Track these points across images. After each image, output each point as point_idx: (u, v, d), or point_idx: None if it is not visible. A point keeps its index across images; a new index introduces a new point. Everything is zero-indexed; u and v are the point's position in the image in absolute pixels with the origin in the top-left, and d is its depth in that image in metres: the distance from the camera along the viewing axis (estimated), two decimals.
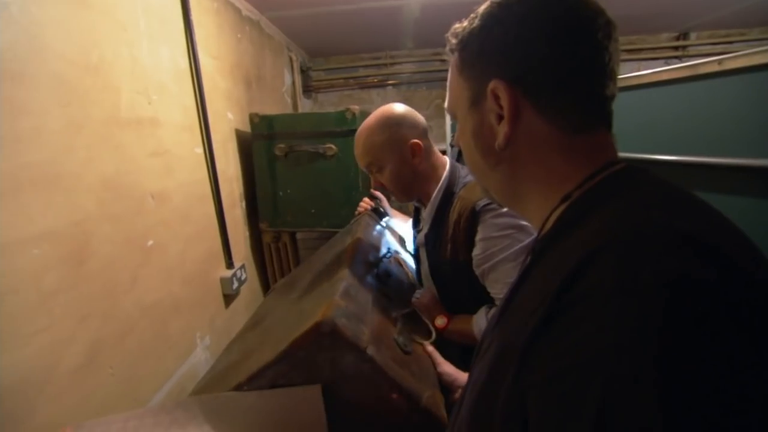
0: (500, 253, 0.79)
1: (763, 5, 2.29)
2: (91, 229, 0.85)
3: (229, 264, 1.45)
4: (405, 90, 3.16)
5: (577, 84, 0.37)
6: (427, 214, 0.96)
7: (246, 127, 1.67)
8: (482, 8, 0.41)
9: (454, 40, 0.43)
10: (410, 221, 1.17)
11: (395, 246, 1.18)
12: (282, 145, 1.62)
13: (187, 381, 1.14)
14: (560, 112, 0.37)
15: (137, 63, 1.02)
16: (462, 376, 0.76)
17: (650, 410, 0.21)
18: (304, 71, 2.94)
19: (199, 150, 1.31)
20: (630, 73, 1.15)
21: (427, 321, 0.90)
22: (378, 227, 1.26)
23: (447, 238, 0.88)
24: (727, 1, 2.26)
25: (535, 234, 0.73)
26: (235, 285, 1.44)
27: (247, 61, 1.79)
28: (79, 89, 0.83)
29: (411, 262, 1.15)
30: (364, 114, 1.68)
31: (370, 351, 0.61)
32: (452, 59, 0.44)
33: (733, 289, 0.24)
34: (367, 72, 3.11)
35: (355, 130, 1.54)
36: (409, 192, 0.96)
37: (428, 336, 0.86)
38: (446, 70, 0.47)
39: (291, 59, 2.56)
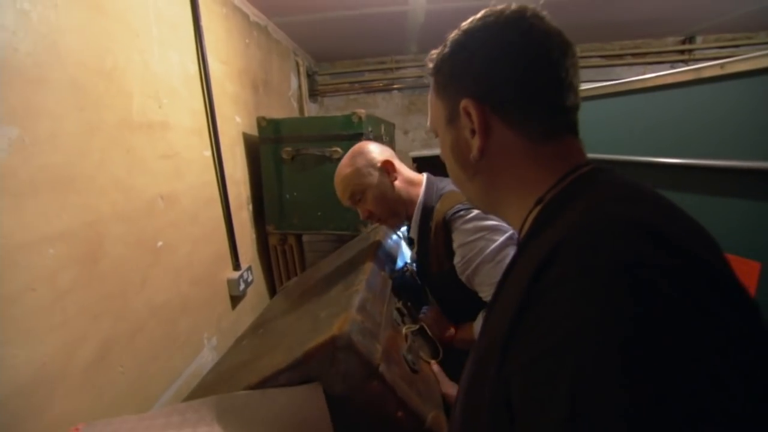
0: (477, 256, 0.81)
1: None
2: (104, 230, 0.87)
3: (236, 266, 1.46)
4: (410, 94, 3.18)
5: (538, 98, 0.40)
6: (413, 232, 0.98)
7: (253, 131, 1.69)
8: (451, 36, 0.44)
9: (430, 65, 0.47)
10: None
11: (410, 258, 1.17)
12: (289, 149, 1.63)
13: (195, 381, 1.14)
14: (525, 124, 0.40)
15: (149, 68, 1.04)
16: None
17: (617, 389, 0.22)
18: (310, 75, 2.97)
19: (208, 153, 1.33)
20: (636, 76, 1.16)
21: (435, 339, 0.91)
22: (395, 237, 1.26)
23: (432, 252, 0.90)
24: (733, 5, 2.26)
25: (509, 230, 0.79)
26: (242, 286, 1.45)
27: (254, 65, 1.82)
28: (94, 94, 0.86)
29: None
30: (370, 118, 1.71)
31: (382, 369, 0.62)
32: (431, 82, 0.48)
33: (683, 272, 0.25)
34: (372, 76, 3.13)
35: (361, 134, 1.60)
36: (396, 212, 0.98)
37: (435, 355, 0.86)
38: None
39: (297, 63, 2.59)
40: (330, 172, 1.60)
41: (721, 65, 0.82)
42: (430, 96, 0.49)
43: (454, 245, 0.85)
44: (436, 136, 0.50)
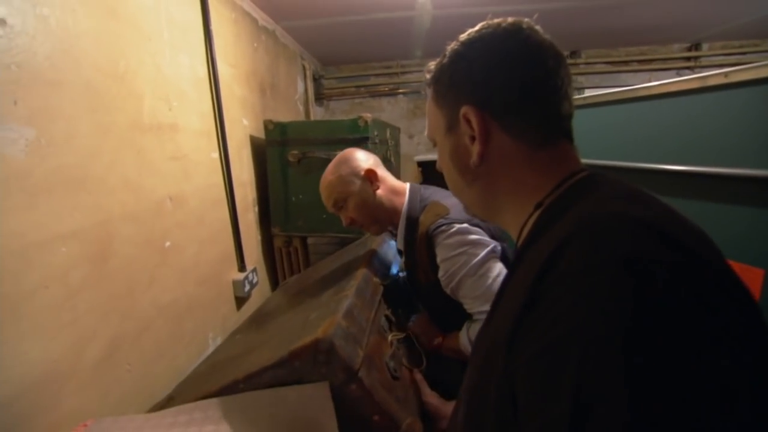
0: (460, 270, 0.81)
1: None
2: (114, 230, 0.88)
3: (242, 267, 1.47)
4: (415, 98, 3.19)
5: (536, 105, 0.41)
6: (399, 242, 0.99)
7: (260, 134, 1.70)
8: (450, 47, 0.46)
9: (428, 76, 0.48)
10: None
11: (399, 267, 1.20)
12: (295, 152, 1.64)
13: None
14: (523, 130, 0.41)
15: (160, 71, 1.06)
16: (446, 407, 0.78)
17: (621, 381, 0.23)
18: (316, 79, 2.99)
19: (215, 155, 1.34)
20: (642, 83, 1.17)
21: (420, 348, 0.92)
22: (392, 243, 1.27)
23: (418, 263, 0.91)
24: (740, 12, 2.26)
25: (491, 243, 0.81)
26: (247, 288, 1.46)
27: (262, 69, 1.84)
28: (107, 96, 0.87)
29: None
30: (376, 122, 1.72)
31: (361, 373, 0.63)
32: (429, 92, 0.49)
33: (685, 267, 0.26)
34: (377, 81, 3.15)
35: (367, 138, 1.61)
36: (377, 220, 1.00)
37: (419, 363, 0.88)
38: None
39: (304, 67, 2.61)
40: None
41: (725, 74, 0.83)
42: (428, 106, 0.50)
43: (438, 260, 0.86)
44: (435, 145, 0.51)
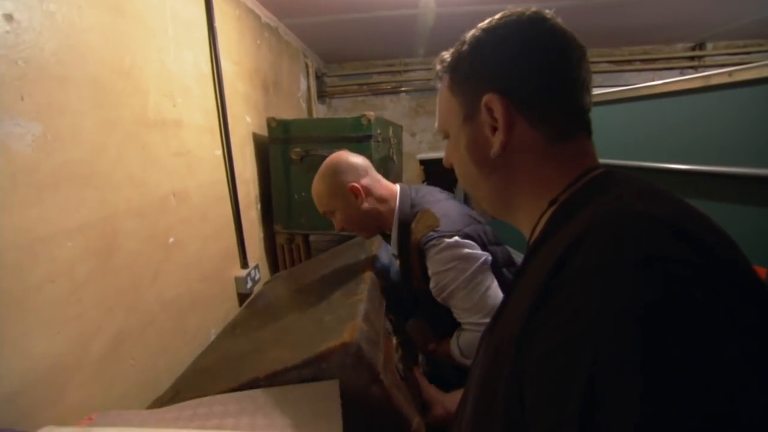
0: (452, 283, 0.83)
1: None
2: (119, 225, 0.88)
3: (244, 264, 1.47)
4: (417, 97, 3.18)
5: (558, 95, 0.40)
6: (393, 248, 1.00)
7: (263, 131, 1.70)
8: (468, 34, 0.44)
9: (440, 66, 0.47)
10: None
11: (395, 272, 1.22)
12: (298, 149, 1.63)
13: None
14: (546, 122, 0.40)
15: (164, 67, 1.06)
16: (443, 396, 0.81)
17: (636, 378, 0.22)
18: (319, 77, 2.98)
19: (219, 152, 1.33)
20: (645, 82, 1.17)
21: (418, 348, 0.97)
22: (389, 247, 1.30)
23: (412, 270, 0.92)
24: (744, 11, 2.25)
25: (482, 256, 0.81)
26: (249, 284, 1.46)
27: (265, 66, 1.84)
28: (113, 92, 0.88)
29: None
30: (379, 120, 1.71)
31: (382, 376, 0.67)
32: (442, 82, 0.48)
33: (706, 267, 0.25)
34: (380, 78, 3.15)
35: (370, 136, 1.61)
36: (366, 229, 1.03)
37: (416, 361, 0.94)
38: None
39: (307, 65, 2.60)
40: None
41: (729, 73, 0.83)
42: (441, 95, 0.48)
43: (429, 272, 0.86)
44: (445, 137, 0.49)
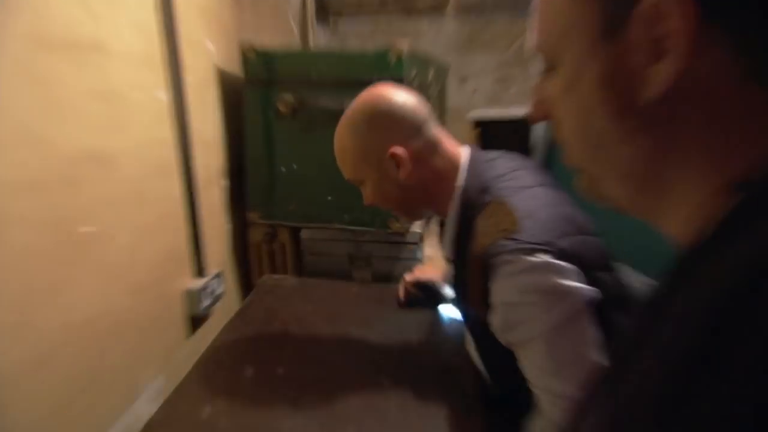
0: (527, 329, 0.83)
1: None
2: (1, 205, 0.85)
3: (199, 271, 1.46)
4: (472, 20, 3.08)
5: None
6: (446, 246, 1.04)
7: (234, 67, 1.69)
8: None
9: None
10: None
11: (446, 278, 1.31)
12: (288, 97, 1.62)
13: None
14: (752, 45, 0.36)
15: None
16: None
17: None
18: None
19: (163, 96, 1.31)
20: None
21: None
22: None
23: (469, 285, 0.94)
24: None
25: (583, 291, 0.81)
26: (206, 302, 1.45)
27: None
28: None
29: None
30: (416, 56, 1.71)
31: None
32: None
33: None
34: None
35: (401, 80, 1.57)
36: (407, 212, 1.10)
37: None
38: None
39: None
40: None
41: None
42: None
43: (493, 298, 0.87)
44: (549, 67, 0.48)
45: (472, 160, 1.01)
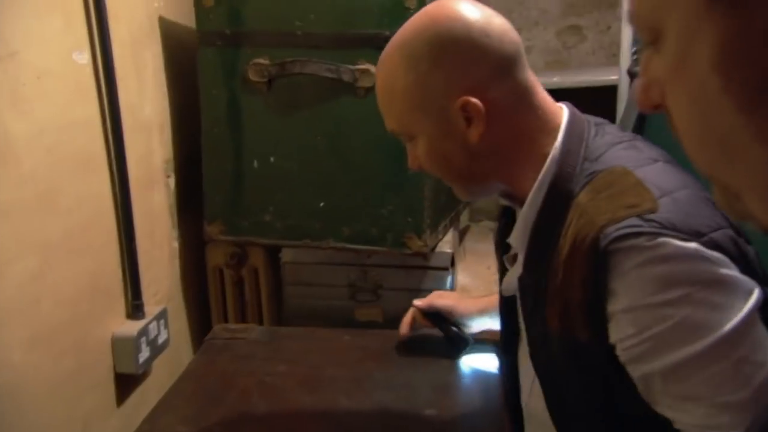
0: (678, 340, 0.82)
1: None
2: None
3: (135, 309, 1.45)
4: None
5: None
6: (518, 234, 1.04)
7: (185, 17, 1.71)
8: None
9: None
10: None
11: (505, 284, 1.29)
12: (263, 61, 1.62)
13: None
14: None
15: None
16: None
17: None
18: None
19: (83, 58, 1.31)
20: None
21: None
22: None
23: (554, 293, 0.95)
24: None
25: (753, 288, 0.84)
26: (145, 354, 1.44)
27: None
28: None
29: None
30: None
31: None
32: None
33: None
34: None
35: None
36: (469, 186, 1.09)
37: None
38: None
39: None
40: (349, 117, 1.67)
41: None
42: None
43: (616, 300, 0.87)
44: (652, 40, 0.48)
45: (574, 120, 1.01)
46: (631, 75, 1.96)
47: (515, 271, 1.07)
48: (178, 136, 1.69)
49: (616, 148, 0.97)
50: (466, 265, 2.21)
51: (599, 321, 0.88)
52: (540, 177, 0.97)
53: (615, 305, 0.86)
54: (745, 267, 0.87)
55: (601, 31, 2.97)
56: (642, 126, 1.78)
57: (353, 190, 1.65)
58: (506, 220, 1.17)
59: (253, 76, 1.61)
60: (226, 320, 1.80)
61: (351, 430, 1.18)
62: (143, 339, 1.41)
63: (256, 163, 1.68)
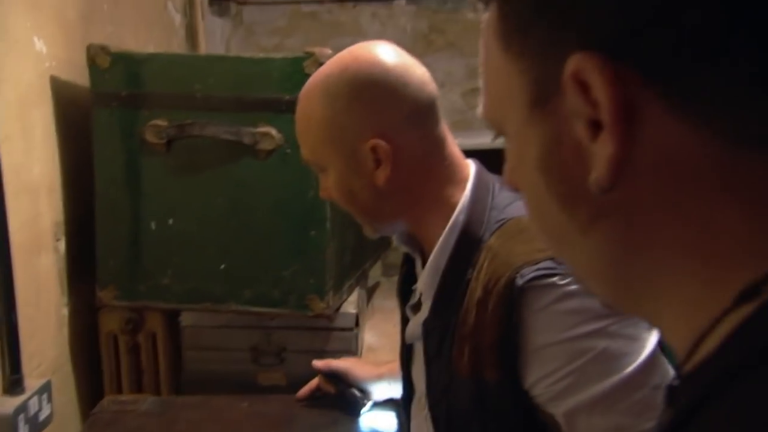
0: (600, 372, 0.85)
1: None
2: None
3: (13, 384, 1.38)
4: (435, 8, 3.17)
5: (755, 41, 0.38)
6: (426, 278, 1.05)
7: (78, 75, 1.69)
8: None
9: None
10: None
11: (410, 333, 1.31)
12: (161, 122, 1.61)
13: None
14: (726, 104, 0.39)
15: None
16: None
17: None
18: None
19: None
20: None
21: None
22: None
23: (464, 334, 0.96)
24: None
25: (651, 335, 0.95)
26: None
27: None
28: None
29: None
30: None
31: None
32: (487, 18, 0.50)
33: None
34: None
35: None
36: (375, 223, 1.10)
37: None
38: None
39: None
40: (251, 179, 1.69)
41: None
42: (486, 50, 0.51)
43: (531, 340, 0.90)
44: (498, 134, 0.53)
45: (481, 173, 1.04)
46: None
47: (419, 317, 1.06)
48: (70, 197, 1.66)
49: (521, 200, 0.99)
50: (374, 323, 2.22)
51: (511, 361, 0.90)
52: (450, 223, 0.99)
53: (533, 342, 0.89)
54: None
55: None
56: None
57: (255, 253, 1.65)
58: (407, 269, 1.19)
59: (150, 138, 1.59)
60: (120, 390, 1.74)
61: None
62: (21, 416, 1.34)
63: (153, 225, 1.65)
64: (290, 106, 1.43)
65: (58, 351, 1.60)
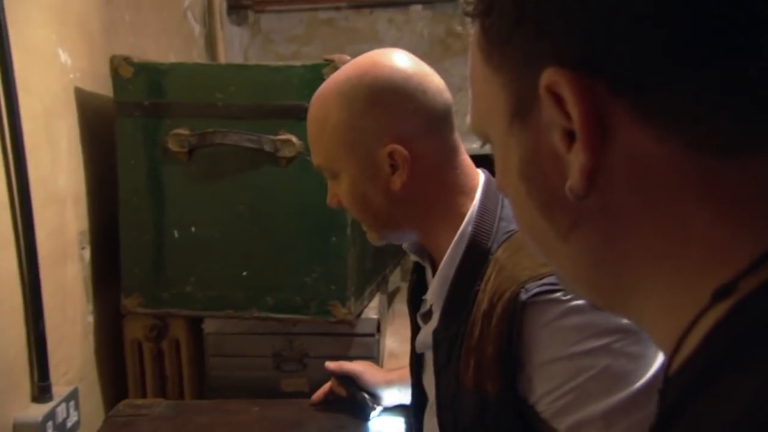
0: (602, 391, 0.85)
1: None
2: None
3: (41, 391, 1.38)
4: (451, 12, 3.17)
5: (730, 50, 0.39)
6: (435, 288, 1.04)
7: (102, 86, 1.69)
8: None
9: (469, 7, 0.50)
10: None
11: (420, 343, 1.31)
12: (183, 131, 1.60)
13: None
14: (692, 114, 0.40)
15: None
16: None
17: None
18: None
19: None
20: None
21: None
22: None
23: (471, 346, 0.96)
24: None
25: (651, 355, 0.92)
26: None
27: None
28: None
29: None
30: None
31: None
32: (473, 33, 0.51)
33: None
34: None
35: None
36: (383, 230, 1.10)
37: None
38: None
39: None
40: (272, 186, 1.68)
41: None
42: (471, 64, 0.53)
43: (534, 355, 0.90)
44: (485, 142, 0.55)
45: (490, 183, 1.03)
46: None
47: (430, 326, 1.06)
48: (95, 206, 1.66)
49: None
50: (395, 329, 2.19)
51: (511, 375, 0.90)
52: (458, 233, 0.99)
53: (536, 358, 0.88)
54: None
55: None
56: None
57: (276, 259, 1.64)
58: (418, 277, 1.19)
59: (172, 146, 1.59)
60: (144, 396, 1.74)
61: None
62: (50, 423, 1.34)
63: (176, 234, 1.65)
64: (304, 116, 1.50)
65: (84, 358, 1.60)
